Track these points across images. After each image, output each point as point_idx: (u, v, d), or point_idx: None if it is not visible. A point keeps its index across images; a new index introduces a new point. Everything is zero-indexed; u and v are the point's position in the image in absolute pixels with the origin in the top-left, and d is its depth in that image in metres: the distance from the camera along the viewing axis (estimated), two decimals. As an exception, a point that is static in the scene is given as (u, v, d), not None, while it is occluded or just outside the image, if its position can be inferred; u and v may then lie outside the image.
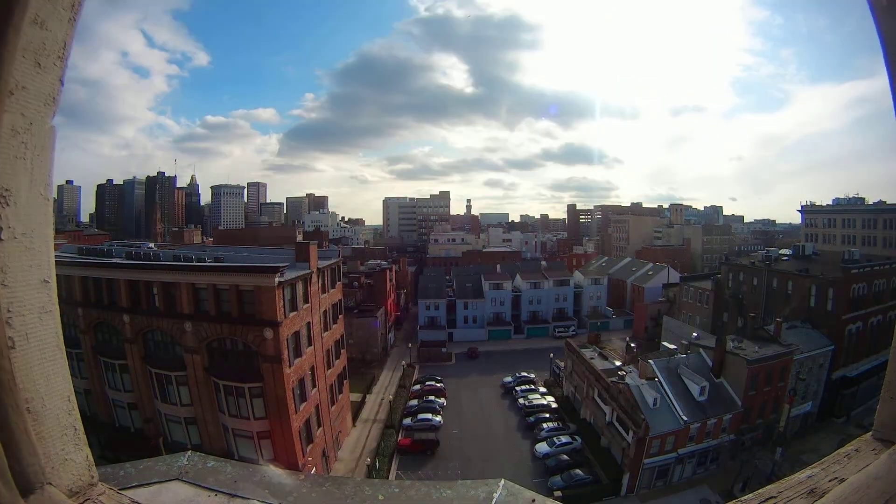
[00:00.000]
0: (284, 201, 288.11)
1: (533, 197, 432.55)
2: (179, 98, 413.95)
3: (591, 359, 40.70)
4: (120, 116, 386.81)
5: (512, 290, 69.91)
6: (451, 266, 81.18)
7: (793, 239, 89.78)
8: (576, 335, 61.63)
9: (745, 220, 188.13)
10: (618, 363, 39.81)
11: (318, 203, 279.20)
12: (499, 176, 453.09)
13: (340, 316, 37.74)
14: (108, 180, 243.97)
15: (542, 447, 35.36)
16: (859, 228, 68.11)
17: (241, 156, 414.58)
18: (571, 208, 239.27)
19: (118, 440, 29.98)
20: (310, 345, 29.48)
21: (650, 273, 75.40)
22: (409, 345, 61.88)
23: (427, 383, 48.85)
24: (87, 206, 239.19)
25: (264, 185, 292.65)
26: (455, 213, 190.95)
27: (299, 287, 28.14)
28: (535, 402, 43.32)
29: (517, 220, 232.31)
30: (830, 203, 76.17)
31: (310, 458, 28.19)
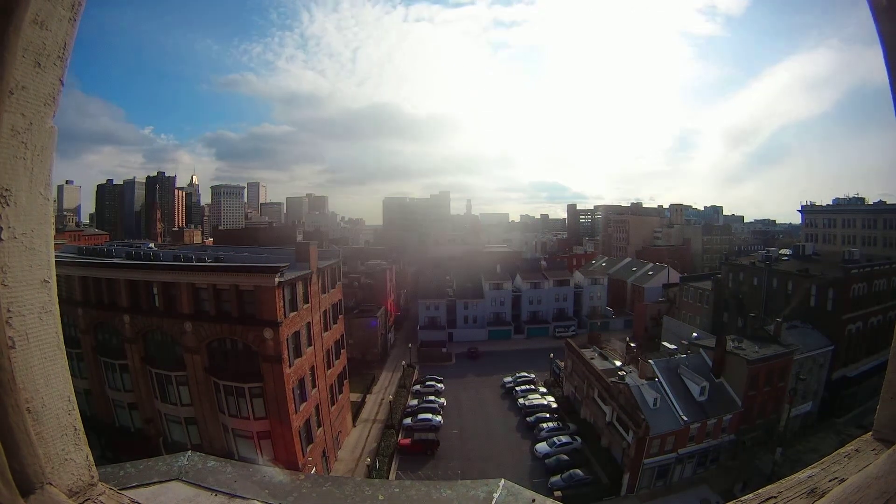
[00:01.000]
0: (284, 201, 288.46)
1: (487, 200, 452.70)
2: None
3: (591, 359, 40.68)
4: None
5: (512, 290, 69.89)
6: (451, 266, 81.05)
7: (793, 239, 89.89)
8: (576, 335, 61.58)
9: (745, 220, 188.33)
10: (618, 363, 39.76)
11: (318, 203, 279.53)
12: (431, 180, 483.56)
13: (340, 316, 37.73)
14: (108, 180, 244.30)
15: (542, 447, 35.36)
16: (859, 228, 68.13)
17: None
18: (572, 208, 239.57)
19: (118, 440, 29.99)
20: (310, 345, 29.48)
21: (650, 273, 75.38)
22: (409, 345, 61.84)
23: (427, 383, 48.83)
24: (87, 206, 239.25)
25: (264, 186, 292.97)
26: (455, 214, 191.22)
27: (299, 287, 28.14)
28: (535, 402, 43.29)
29: (517, 220, 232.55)
30: (831, 203, 76.28)
31: (310, 458, 28.19)
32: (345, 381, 38.08)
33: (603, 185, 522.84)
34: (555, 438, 36.23)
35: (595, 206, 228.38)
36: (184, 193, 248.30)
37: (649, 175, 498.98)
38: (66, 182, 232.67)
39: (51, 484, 1.39)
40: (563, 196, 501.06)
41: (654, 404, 30.70)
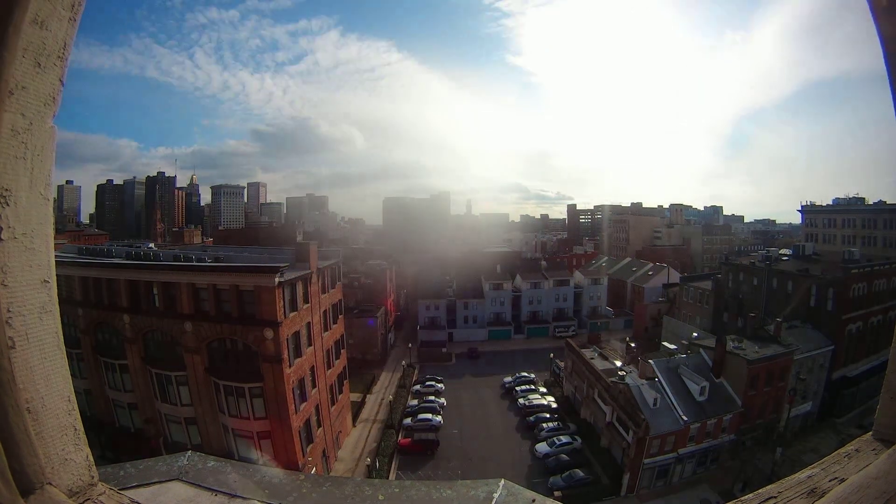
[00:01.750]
0: (284, 201, 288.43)
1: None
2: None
3: (592, 359, 40.68)
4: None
5: (512, 290, 69.89)
6: (451, 266, 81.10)
7: (793, 239, 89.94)
8: (576, 335, 61.59)
9: (745, 220, 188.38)
10: (618, 363, 39.75)
11: (318, 203, 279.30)
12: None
13: (340, 316, 37.72)
14: (108, 180, 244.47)
15: (543, 447, 35.35)
16: (859, 228, 68.10)
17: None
18: (571, 208, 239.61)
19: (118, 440, 29.99)
20: (310, 345, 29.47)
21: (650, 273, 75.37)
22: (410, 345, 61.85)
23: (427, 383, 48.82)
24: (87, 206, 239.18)
25: (264, 185, 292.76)
26: (455, 214, 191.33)
27: (299, 287, 28.13)
28: (535, 402, 43.30)
29: (517, 220, 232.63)
30: (830, 203, 76.30)
31: (310, 458, 28.19)
32: (345, 381, 38.07)
33: (563, 186, 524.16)
34: (555, 438, 36.20)
35: (595, 206, 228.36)
36: (184, 193, 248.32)
37: (607, 173, 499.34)
38: (66, 182, 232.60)
39: (51, 484, 1.39)
40: (528, 197, 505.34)
41: (654, 404, 30.70)
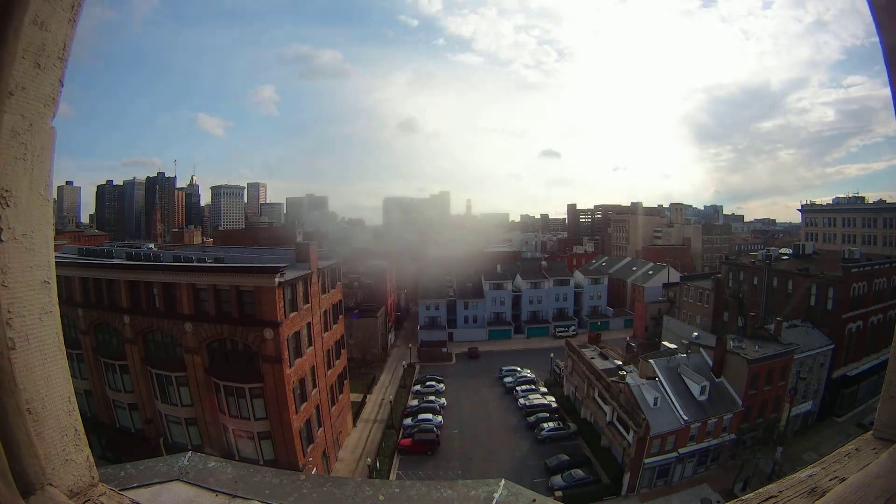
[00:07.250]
0: (284, 202, 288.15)
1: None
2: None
3: (592, 358, 40.66)
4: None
5: (512, 289, 69.89)
6: (451, 266, 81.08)
7: (793, 238, 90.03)
8: (576, 335, 61.64)
9: (745, 220, 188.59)
10: (618, 363, 39.77)
11: (318, 203, 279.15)
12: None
13: (341, 316, 37.72)
14: (108, 181, 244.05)
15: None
16: (859, 227, 68.09)
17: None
18: (571, 208, 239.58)
19: (119, 441, 30.00)
20: (310, 345, 29.47)
21: (650, 273, 75.35)
22: (410, 345, 61.87)
23: (427, 383, 48.82)
24: (88, 206, 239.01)
25: (264, 186, 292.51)
26: (455, 213, 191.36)
27: (299, 287, 28.14)
28: (536, 402, 43.28)
29: (517, 220, 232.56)
30: (831, 202, 76.38)
31: (310, 459, 28.19)
32: (345, 382, 38.07)
33: (563, 185, 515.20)
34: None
35: (595, 206, 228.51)
36: (184, 194, 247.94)
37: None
38: (66, 183, 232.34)
39: (51, 485, 1.39)
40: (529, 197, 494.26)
41: (655, 404, 30.69)
